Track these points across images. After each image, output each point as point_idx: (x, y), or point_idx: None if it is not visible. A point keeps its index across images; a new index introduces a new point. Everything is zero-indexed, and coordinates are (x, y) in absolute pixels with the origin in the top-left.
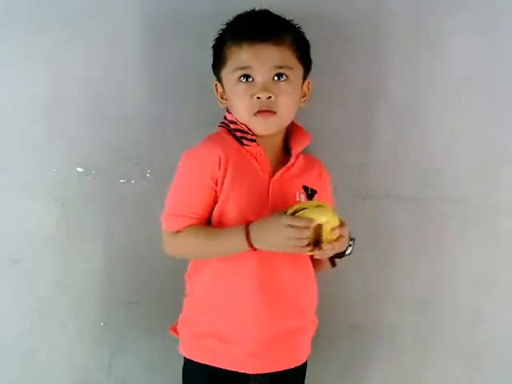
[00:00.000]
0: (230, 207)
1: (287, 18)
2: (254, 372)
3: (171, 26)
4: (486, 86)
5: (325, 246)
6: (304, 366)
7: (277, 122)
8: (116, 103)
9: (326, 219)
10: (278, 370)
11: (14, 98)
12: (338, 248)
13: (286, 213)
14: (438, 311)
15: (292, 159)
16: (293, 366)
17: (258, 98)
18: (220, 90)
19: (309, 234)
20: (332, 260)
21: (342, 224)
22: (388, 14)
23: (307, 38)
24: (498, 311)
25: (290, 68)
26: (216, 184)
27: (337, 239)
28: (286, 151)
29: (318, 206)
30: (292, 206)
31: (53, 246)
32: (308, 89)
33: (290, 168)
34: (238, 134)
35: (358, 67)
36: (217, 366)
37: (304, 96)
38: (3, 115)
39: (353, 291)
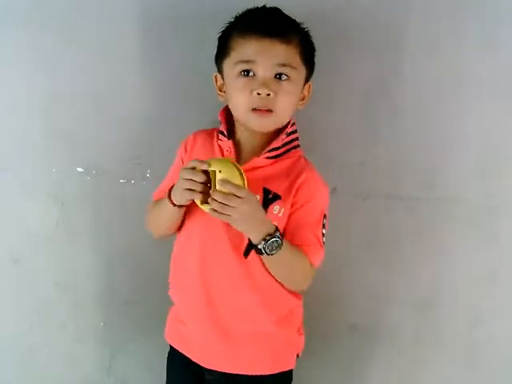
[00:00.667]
0: None
1: (295, 19)
2: (207, 366)
3: (171, 25)
4: (485, 85)
5: (213, 193)
6: (275, 380)
7: (273, 121)
8: (116, 103)
9: (220, 169)
10: (233, 371)
11: (14, 98)
12: (234, 205)
13: None
14: (438, 311)
15: (254, 161)
16: (244, 373)
17: (258, 93)
18: (219, 82)
19: (199, 177)
20: (247, 248)
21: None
22: (388, 15)
23: (311, 35)
24: (498, 311)
25: (293, 68)
26: (183, 163)
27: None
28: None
29: (229, 162)
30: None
31: (53, 246)
32: (308, 92)
33: (255, 169)
34: (220, 128)
35: (358, 67)
36: (179, 349)
37: (303, 99)
38: (3, 115)
39: (353, 291)
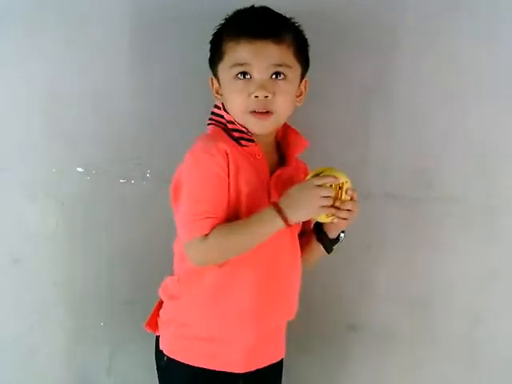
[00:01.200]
0: (233, 207)
1: (287, 16)
2: (246, 370)
3: (171, 25)
4: (486, 85)
5: (347, 205)
6: (281, 361)
7: (273, 122)
8: (116, 103)
9: (346, 179)
10: (266, 364)
11: (14, 98)
12: (355, 210)
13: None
14: (438, 311)
15: (290, 163)
16: (279, 359)
17: (256, 96)
18: (216, 85)
19: (331, 193)
20: (325, 245)
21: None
22: (388, 14)
23: (307, 35)
24: (498, 311)
25: (288, 67)
26: (229, 183)
27: (352, 200)
28: (277, 150)
29: (331, 169)
30: (309, 173)
31: (53, 246)
32: (305, 88)
33: (286, 168)
34: (236, 134)
35: (358, 66)
36: (207, 367)
37: (300, 95)
38: (3, 115)
39: (352, 291)
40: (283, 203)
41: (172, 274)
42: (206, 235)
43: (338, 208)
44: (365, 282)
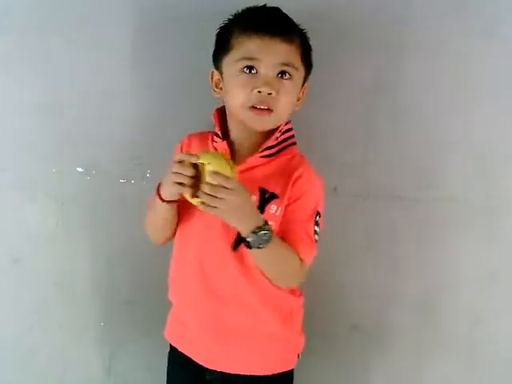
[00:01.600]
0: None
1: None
2: (209, 367)
3: (171, 25)
4: (485, 85)
5: (202, 186)
6: (274, 381)
7: (272, 121)
8: (116, 103)
9: (216, 164)
10: (228, 371)
11: (14, 98)
12: (222, 197)
13: None
14: (438, 311)
15: (249, 160)
16: (245, 373)
17: (259, 92)
18: (216, 78)
19: (188, 171)
20: (235, 241)
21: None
22: (388, 14)
23: (308, 36)
24: (498, 311)
25: (295, 68)
26: None
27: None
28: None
29: (219, 156)
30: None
31: (53, 246)
32: (303, 93)
33: (251, 168)
34: (215, 130)
35: (358, 67)
36: (180, 349)
37: (299, 100)
38: (3, 115)
39: (353, 291)
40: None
41: None
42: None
43: (201, 191)
44: (365, 282)
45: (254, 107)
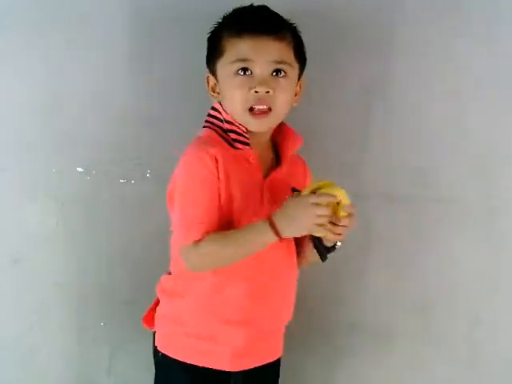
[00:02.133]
0: (226, 211)
1: (287, 15)
2: (237, 369)
3: (171, 25)
4: (485, 85)
5: (343, 221)
6: (278, 361)
7: (271, 120)
8: (116, 103)
9: (343, 196)
10: (258, 364)
11: (14, 98)
12: (352, 226)
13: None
14: (438, 311)
15: (284, 162)
16: (271, 360)
17: (256, 92)
18: (212, 82)
19: (328, 212)
20: (321, 253)
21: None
22: (388, 15)
23: (307, 36)
24: (498, 311)
25: (289, 65)
26: (219, 187)
27: (349, 217)
28: (272, 148)
29: (330, 185)
30: (305, 187)
31: (53, 246)
32: (300, 88)
33: (281, 168)
34: (233, 135)
35: (357, 67)
36: (198, 364)
37: (296, 95)
38: (3, 115)
39: (351, 291)
40: (277, 217)
41: (169, 271)
42: (199, 241)
43: (334, 224)
44: (364, 281)
45: (252, 110)
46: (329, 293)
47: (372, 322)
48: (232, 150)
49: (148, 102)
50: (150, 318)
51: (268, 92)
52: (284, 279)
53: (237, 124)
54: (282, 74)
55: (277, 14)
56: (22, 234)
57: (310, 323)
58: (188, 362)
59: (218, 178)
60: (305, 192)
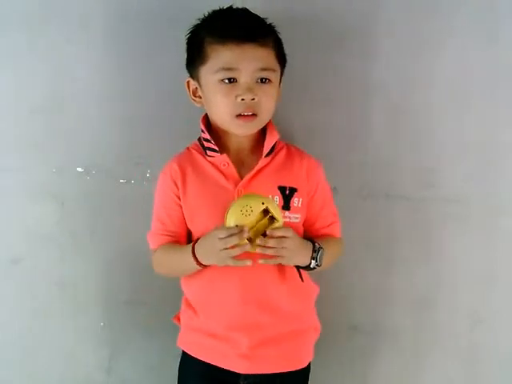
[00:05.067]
0: (197, 221)
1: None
2: (245, 372)
3: (171, 25)
4: (485, 85)
5: (264, 242)
6: (304, 372)
7: (257, 125)
8: (116, 103)
9: (273, 209)
10: (269, 372)
11: (14, 98)
12: (286, 246)
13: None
14: (438, 311)
15: (260, 162)
16: (285, 370)
17: (243, 99)
18: (193, 86)
19: (237, 240)
20: (299, 272)
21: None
22: (388, 15)
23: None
24: (498, 311)
25: (273, 70)
26: (179, 199)
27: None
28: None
29: (255, 196)
30: (232, 202)
31: (53, 246)
32: (280, 86)
33: (261, 170)
34: (206, 143)
35: (357, 67)
36: (209, 362)
37: (278, 94)
38: (3, 115)
39: (353, 291)
40: (197, 246)
41: None
42: (154, 250)
43: (261, 245)
44: (366, 282)
45: (239, 115)
46: (331, 294)
47: (372, 322)
48: (204, 160)
49: (148, 102)
50: (179, 316)
51: (253, 99)
52: (278, 286)
53: (206, 132)
54: (267, 80)
55: (258, 18)
56: (22, 234)
57: None
58: (199, 359)
59: (179, 192)
60: (233, 204)
